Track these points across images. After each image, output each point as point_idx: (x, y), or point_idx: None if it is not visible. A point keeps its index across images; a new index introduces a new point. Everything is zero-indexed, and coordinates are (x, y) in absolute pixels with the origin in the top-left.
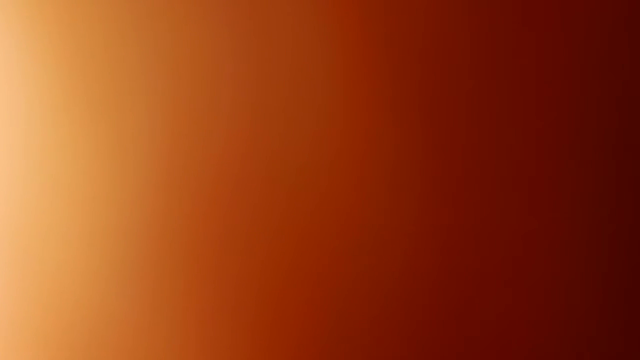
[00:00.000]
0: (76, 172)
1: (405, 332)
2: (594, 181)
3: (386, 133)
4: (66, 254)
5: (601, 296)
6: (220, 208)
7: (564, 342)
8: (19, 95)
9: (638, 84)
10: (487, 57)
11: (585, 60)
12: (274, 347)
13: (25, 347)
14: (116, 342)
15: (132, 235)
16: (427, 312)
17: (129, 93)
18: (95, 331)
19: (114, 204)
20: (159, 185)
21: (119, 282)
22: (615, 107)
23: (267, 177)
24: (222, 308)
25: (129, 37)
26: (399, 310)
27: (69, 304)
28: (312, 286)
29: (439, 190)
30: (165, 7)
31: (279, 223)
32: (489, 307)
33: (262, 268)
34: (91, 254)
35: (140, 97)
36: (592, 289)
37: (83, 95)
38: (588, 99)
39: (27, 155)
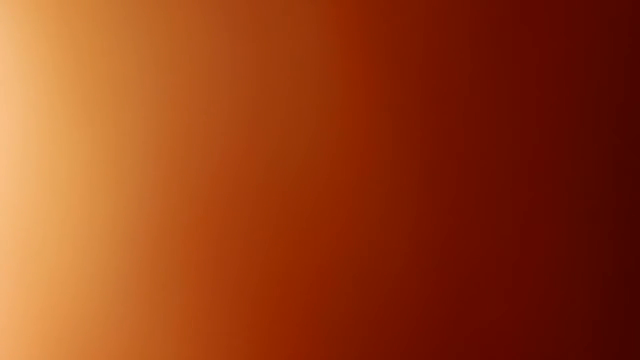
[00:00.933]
0: (74, 172)
1: (405, 332)
2: (594, 181)
3: (385, 132)
4: (64, 255)
5: (601, 296)
6: (218, 208)
7: (564, 342)
8: (17, 95)
9: (638, 84)
10: (486, 56)
11: (586, 60)
12: (273, 347)
13: (23, 348)
14: (114, 342)
15: (130, 235)
16: (427, 312)
17: (127, 93)
18: (93, 331)
19: (111, 204)
20: (157, 185)
21: (117, 282)
22: (615, 107)
23: (266, 178)
24: (221, 308)
25: (127, 35)
26: (398, 309)
27: (66, 304)
28: (310, 286)
29: (438, 190)
30: (163, 8)
31: (277, 223)
32: (489, 307)
33: (261, 268)
34: (89, 255)
35: (138, 98)
36: (592, 289)
37: (81, 95)
38: (588, 99)
39: (26, 156)
